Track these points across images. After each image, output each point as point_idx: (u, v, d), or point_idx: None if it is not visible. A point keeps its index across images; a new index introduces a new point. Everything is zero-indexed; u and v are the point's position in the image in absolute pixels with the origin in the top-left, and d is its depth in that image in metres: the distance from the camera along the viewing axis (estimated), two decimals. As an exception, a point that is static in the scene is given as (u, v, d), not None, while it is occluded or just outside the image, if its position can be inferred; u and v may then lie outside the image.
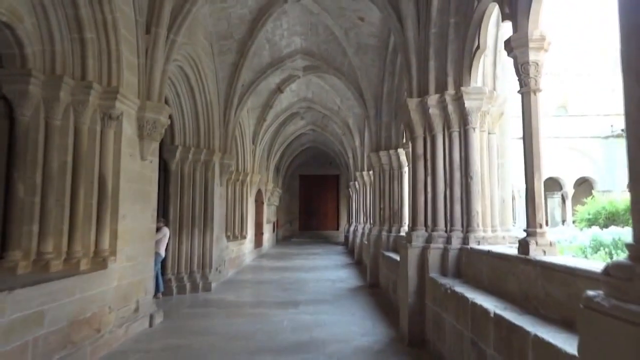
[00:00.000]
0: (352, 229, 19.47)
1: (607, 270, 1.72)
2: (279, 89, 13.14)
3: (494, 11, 4.65)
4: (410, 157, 8.17)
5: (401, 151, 9.29)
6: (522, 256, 3.38)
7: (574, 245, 9.53)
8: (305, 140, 22.17)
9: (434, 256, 5.05)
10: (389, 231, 9.46)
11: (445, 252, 4.99)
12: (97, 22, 5.27)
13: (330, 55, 10.47)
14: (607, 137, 24.21)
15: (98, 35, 5.31)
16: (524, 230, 3.56)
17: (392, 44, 8.80)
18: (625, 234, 11.37)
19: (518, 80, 3.61)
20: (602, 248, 7.88)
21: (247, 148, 14.05)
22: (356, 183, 18.04)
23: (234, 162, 11.92)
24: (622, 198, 15.67)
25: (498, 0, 4.12)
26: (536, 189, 3.46)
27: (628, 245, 1.68)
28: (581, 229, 17.26)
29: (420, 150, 5.49)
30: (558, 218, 23.02)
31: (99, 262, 5.22)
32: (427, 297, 5.05)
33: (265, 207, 19.24)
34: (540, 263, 3.09)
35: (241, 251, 13.52)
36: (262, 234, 18.16)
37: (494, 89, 5.17)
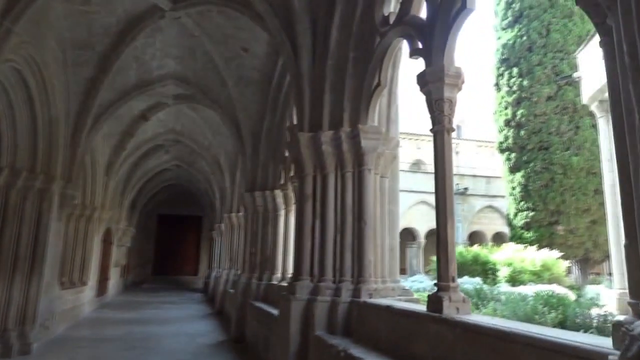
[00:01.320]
0: (214, 275, 18.06)
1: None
2: (144, 117, 11.74)
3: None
4: (293, 198, 7.70)
5: (278, 193, 8.72)
6: (435, 314, 2.94)
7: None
8: (169, 176, 20.44)
9: (320, 311, 4.43)
10: (260, 279, 8.66)
11: (333, 306, 4.40)
12: None
13: (208, 84, 9.67)
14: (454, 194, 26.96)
15: None
16: (435, 285, 3.15)
17: (277, 79, 8.40)
18: (481, 283, 12.22)
19: (431, 117, 3.32)
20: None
21: (98, 179, 12.12)
22: (222, 225, 16.93)
23: (79, 194, 10.08)
24: (467, 250, 17.12)
25: (407, 36, 3.90)
26: (449, 237, 3.11)
27: None
28: (432, 279, 18.41)
29: (309, 190, 4.95)
30: (415, 267, 24.51)
31: None
32: (312, 360, 4.36)
33: (114, 248, 16.86)
34: (461, 324, 2.66)
35: (79, 300, 11.30)
36: (107, 279, 15.71)
37: (388, 130, 4.95)
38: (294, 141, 5.12)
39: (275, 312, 6.43)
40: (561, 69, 16.53)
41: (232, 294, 10.97)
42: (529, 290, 10.87)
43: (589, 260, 16.90)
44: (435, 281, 3.17)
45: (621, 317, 1.78)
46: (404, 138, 28.69)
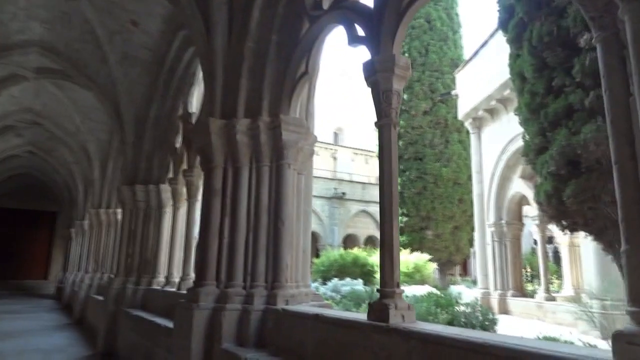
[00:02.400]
0: (71, 278, 15.84)
1: None
2: (-8, 89, 9.75)
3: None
4: (184, 194, 6.88)
5: (165, 187, 7.82)
6: (381, 324, 2.67)
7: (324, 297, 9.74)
8: (18, 164, 17.52)
9: (229, 321, 3.90)
10: (137, 284, 7.66)
11: (245, 314, 3.91)
12: None
13: (84, 59, 8.32)
14: (330, 198, 27.75)
15: None
16: (378, 291, 2.89)
17: (170, 61, 7.54)
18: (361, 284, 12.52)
19: (377, 110, 3.07)
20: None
21: None
22: (86, 222, 14.96)
23: None
24: (346, 252, 17.61)
25: (344, 22, 3.63)
26: (394, 240, 2.88)
27: None
28: (314, 280, 18.60)
29: (218, 183, 4.39)
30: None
31: None
32: (218, 377, 3.81)
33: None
34: (417, 334, 2.42)
35: None
36: None
37: (308, 124, 4.62)
38: (201, 128, 4.51)
39: (160, 321, 5.68)
40: (436, 87, 18.00)
41: (99, 301, 9.61)
42: (408, 291, 11.46)
43: (451, 263, 18.62)
44: (377, 287, 2.92)
45: (621, 328, 1.68)
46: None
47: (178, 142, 7.68)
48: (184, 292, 6.09)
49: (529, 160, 6.10)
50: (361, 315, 3.05)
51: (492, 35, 11.62)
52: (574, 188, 5.00)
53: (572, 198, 5.03)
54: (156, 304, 6.92)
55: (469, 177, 15.20)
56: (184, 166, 7.04)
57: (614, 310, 7.18)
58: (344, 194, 27.07)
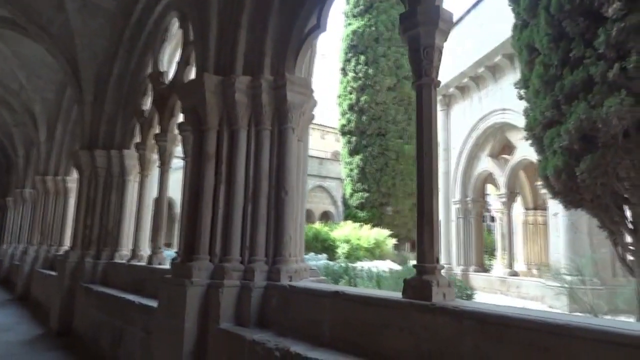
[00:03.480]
0: (10, 251, 14.61)
1: None
2: None
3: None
4: (156, 161, 6.29)
5: (130, 153, 7.17)
6: (425, 303, 2.43)
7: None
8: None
9: (227, 298, 3.55)
10: (97, 257, 7.05)
11: (244, 291, 3.57)
12: None
13: (35, 5, 7.35)
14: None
15: None
16: (416, 266, 2.64)
17: (139, 13, 6.81)
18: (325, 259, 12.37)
19: (415, 69, 2.76)
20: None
21: None
22: (27, 191, 13.76)
23: None
24: (308, 227, 17.44)
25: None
26: (435, 211, 2.63)
27: None
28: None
29: (211, 148, 3.94)
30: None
31: None
32: (215, 360, 3.47)
33: None
34: (472, 314, 2.20)
35: None
36: None
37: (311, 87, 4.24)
38: (193, 85, 4.01)
39: (133, 298, 5.21)
40: (402, 64, 17.87)
41: (49, 276, 8.86)
42: (367, 265, 11.44)
43: (409, 239, 18.94)
44: (415, 262, 2.67)
45: None
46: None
47: (146, 104, 7.03)
48: (159, 266, 5.63)
49: (533, 135, 6.03)
50: (391, 293, 2.81)
51: (468, 12, 11.53)
52: (589, 163, 4.97)
53: (587, 173, 5.00)
54: (121, 279, 6.39)
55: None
56: (156, 130, 6.46)
57: (586, 285, 7.47)
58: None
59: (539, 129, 5.82)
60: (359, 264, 11.27)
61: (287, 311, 3.36)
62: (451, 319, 2.28)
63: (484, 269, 12.21)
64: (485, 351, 2.12)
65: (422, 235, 2.62)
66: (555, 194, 5.87)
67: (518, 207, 14.24)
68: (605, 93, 4.88)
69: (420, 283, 2.52)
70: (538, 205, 12.94)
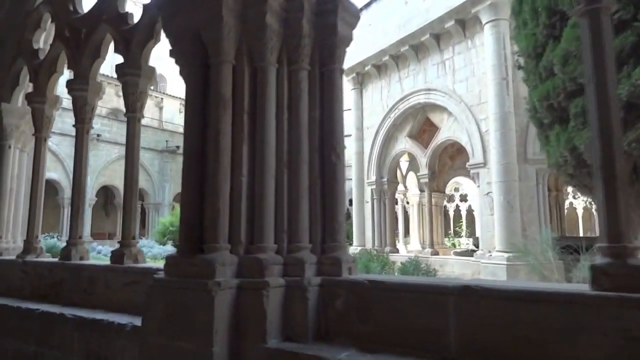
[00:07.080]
0: None
1: None
2: None
3: None
4: (52, 117, 4.54)
5: (11, 108, 5.20)
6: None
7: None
8: None
9: (273, 304, 2.47)
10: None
11: (293, 292, 2.53)
12: None
13: None
14: (161, 151, 24.71)
15: None
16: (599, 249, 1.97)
17: None
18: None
19: None
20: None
21: None
22: None
23: None
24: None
25: None
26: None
27: None
28: (164, 243, 16.37)
29: (227, 90, 2.73)
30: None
31: None
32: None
33: None
34: None
35: None
36: None
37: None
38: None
39: (49, 308, 3.68)
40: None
41: None
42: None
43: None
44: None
45: None
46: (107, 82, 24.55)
47: (40, 41, 5.16)
48: (82, 262, 4.11)
49: (550, 105, 5.71)
50: (568, 286, 2.10)
51: (391, -11, 11.24)
52: (636, 135, 4.81)
53: (636, 143, 4.84)
54: (8, 283, 4.59)
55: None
56: (64, 76, 4.73)
57: (516, 261, 7.76)
58: (177, 147, 24.37)
59: (563, 97, 5.60)
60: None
61: (366, 317, 2.43)
62: None
63: (396, 249, 12.31)
64: None
65: (608, 210, 1.96)
66: (570, 178, 5.80)
67: (413, 189, 14.77)
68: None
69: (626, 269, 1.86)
70: (439, 188, 13.51)
